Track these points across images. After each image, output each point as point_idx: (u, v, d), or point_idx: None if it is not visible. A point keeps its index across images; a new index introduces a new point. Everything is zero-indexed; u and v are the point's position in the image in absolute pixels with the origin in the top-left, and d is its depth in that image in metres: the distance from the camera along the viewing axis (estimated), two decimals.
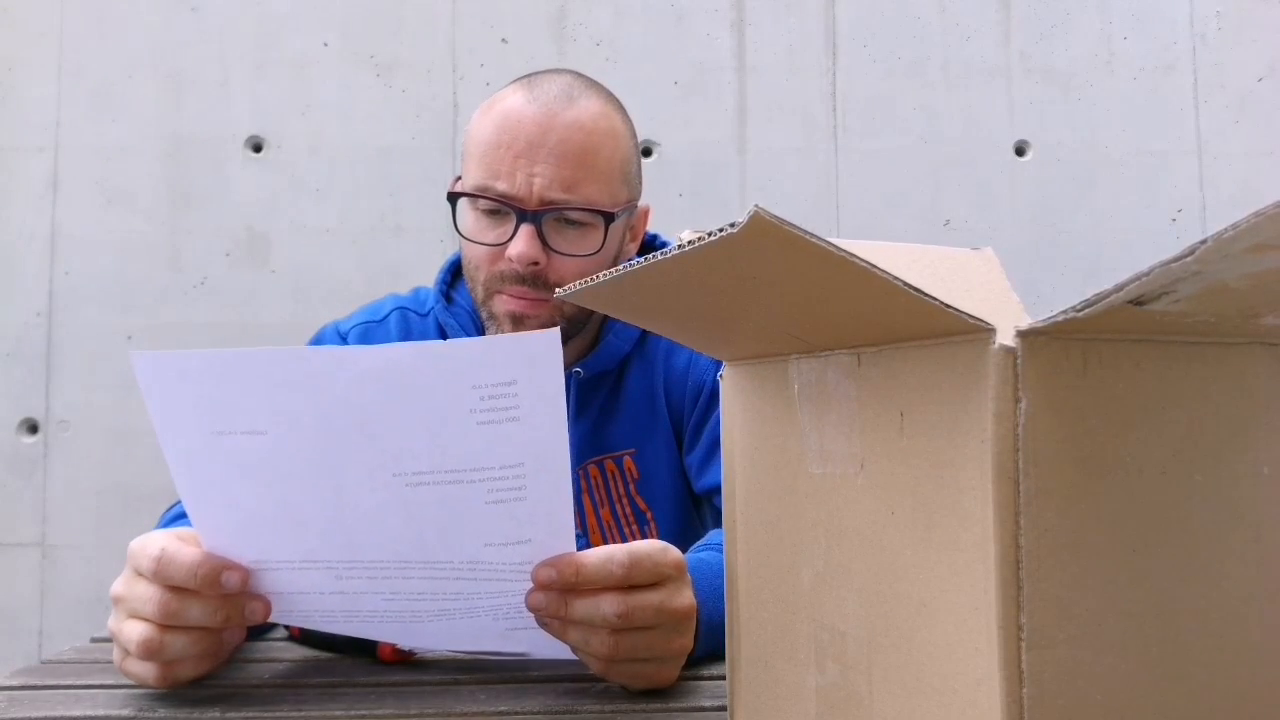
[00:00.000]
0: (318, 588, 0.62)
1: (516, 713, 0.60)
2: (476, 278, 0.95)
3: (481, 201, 0.92)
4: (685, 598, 0.62)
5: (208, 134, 1.85)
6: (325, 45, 1.87)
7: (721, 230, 0.34)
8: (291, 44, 1.87)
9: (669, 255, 0.38)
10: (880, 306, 0.36)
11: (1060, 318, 0.31)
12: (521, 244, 0.89)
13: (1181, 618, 0.35)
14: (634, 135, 0.98)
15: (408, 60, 1.87)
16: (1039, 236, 1.90)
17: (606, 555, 0.59)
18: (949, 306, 0.33)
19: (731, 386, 0.52)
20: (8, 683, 0.67)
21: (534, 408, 0.54)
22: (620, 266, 0.43)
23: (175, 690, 0.64)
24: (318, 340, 1.06)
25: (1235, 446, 0.36)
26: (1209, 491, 0.35)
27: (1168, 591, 0.34)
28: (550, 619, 0.61)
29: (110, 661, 0.64)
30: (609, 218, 0.91)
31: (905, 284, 0.33)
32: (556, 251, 0.90)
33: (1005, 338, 0.33)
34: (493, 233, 0.92)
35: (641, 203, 1.00)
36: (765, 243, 0.34)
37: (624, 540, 0.99)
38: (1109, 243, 1.90)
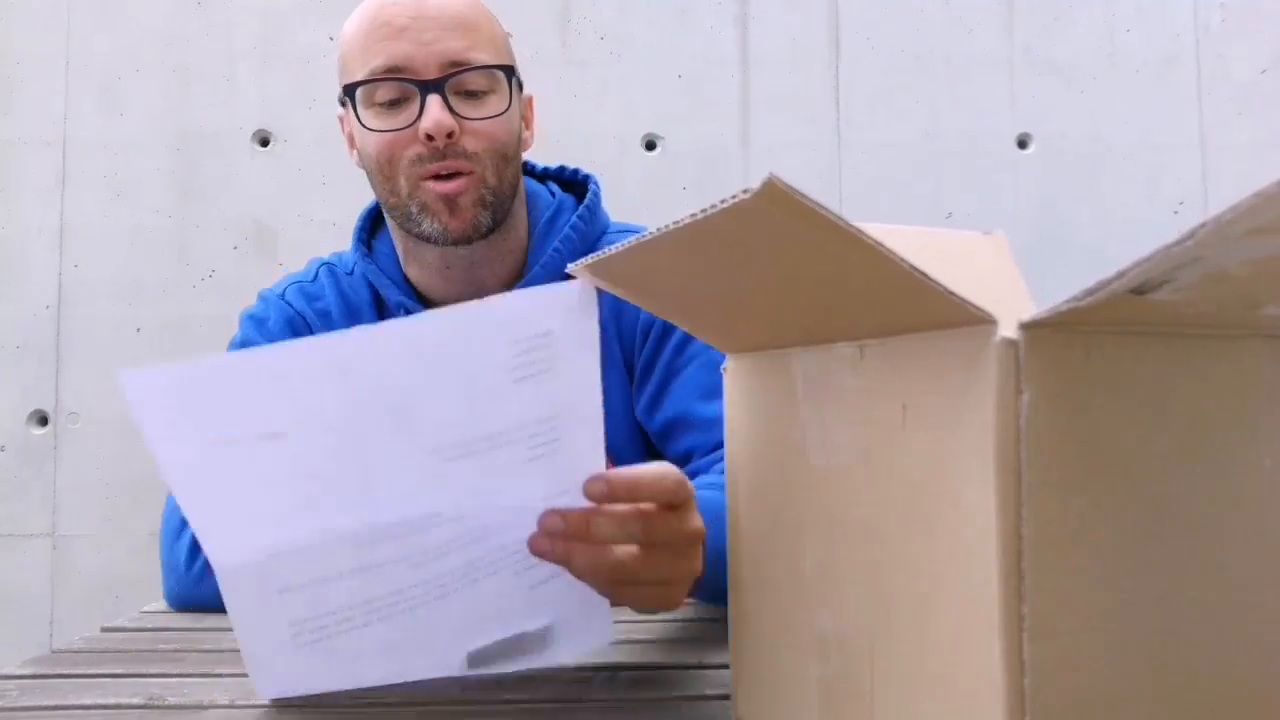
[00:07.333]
0: (337, 568, 0.58)
1: (526, 701, 0.61)
2: (394, 175, 0.90)
3: (379, 91, 0.87)
4: (698, 520, 0.61)
5: (215, 128, 1.85)
6: (331, 39, 1.87)
7: (734, 197, 0.33)
8: (298, 38, 1.87)
9: (680, 225, 0.37)
10: (885, 289, 0.36)
11: (1063, 307, 0.32)
12: (434, 112, 0.86)
13: (1183, 609, 0.35)
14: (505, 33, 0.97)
15: None
16: (1041, 230, 1.90)
17: (662, 471, 0.58)
18: (952, 294, 0.33)
19: (734, 378, 0.52)
20: (19, 672, 0.67)
21: (568, 358, 0.53)
22: (626, 241, 0.42)
23: (185, 679, 0.64)
24: (253, 316, 1.00)
25: (1237, 439, 0.36)
26: (1211, 483, 0.35)
27: (1169, 583, 0.35)
28: (568, 540, 0.58)
29: (121, 650, 0.64)
30: (509, 70, 0.91)
31: (912, 266, 0.33)
32: (466, 118, 0.89)
33: (1009, 327, 0.33)
34: (396, 120, 0.88)
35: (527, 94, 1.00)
36: (776, 212, 0.33)
37: None
38: (1111, 236, 1.90)
